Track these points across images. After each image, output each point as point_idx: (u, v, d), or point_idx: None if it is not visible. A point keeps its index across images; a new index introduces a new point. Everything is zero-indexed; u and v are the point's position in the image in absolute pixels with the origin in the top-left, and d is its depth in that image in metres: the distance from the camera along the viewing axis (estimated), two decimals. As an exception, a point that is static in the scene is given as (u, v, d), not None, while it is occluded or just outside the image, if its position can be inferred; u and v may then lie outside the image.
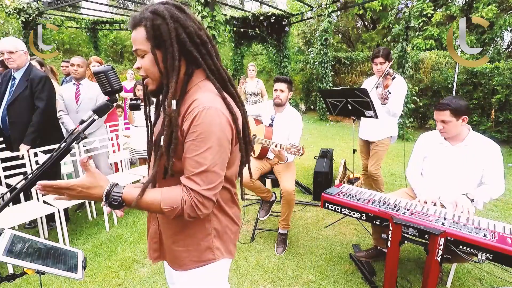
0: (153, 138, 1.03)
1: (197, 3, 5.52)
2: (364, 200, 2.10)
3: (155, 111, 1.14)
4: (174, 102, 0.96)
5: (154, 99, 1.13)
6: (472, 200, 1.99)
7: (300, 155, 2.34)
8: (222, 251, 1.10)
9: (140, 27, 0.95)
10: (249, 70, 4.99)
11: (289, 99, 2.91)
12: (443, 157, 2.19)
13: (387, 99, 2.94)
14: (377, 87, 2.97)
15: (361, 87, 3.33)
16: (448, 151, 2.17)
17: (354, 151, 3.80)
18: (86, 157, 0.92)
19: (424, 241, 1.75)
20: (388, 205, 2.03)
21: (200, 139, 0.91)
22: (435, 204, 2.05)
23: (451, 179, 2.15)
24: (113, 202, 0.93)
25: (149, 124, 1.15)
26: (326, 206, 2.20)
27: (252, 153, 1.15)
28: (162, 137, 0.96)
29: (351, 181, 3.95)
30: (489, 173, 2.05)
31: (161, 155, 0.97)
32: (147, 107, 1.14)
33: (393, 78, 3.00)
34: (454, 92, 5.40)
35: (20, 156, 2.77)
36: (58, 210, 2.62)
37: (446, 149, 2.19)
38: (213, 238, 1.08)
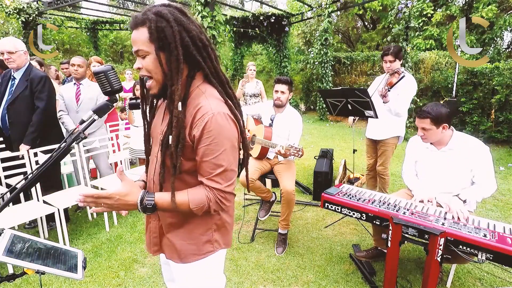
0: (161, 138, 1.05)
1: (197, 3, 5.52)
2: (364, 200, 2.10)
3: (149, 110, 1.17)
4: (180, 104, 0.99)
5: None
6: (464, 201, 1.99)
7: (299, 157, 2.34)
8: (220, 243, 1.16)
9: (143, 28, 0.96)
10: (249, 70, 4.66)
11: (289, 99, 2.91)
12: (431, 162, 2.21)
13: (386, 97, 2.93)
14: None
15: (372, 84, 3.33)
16: (435, 156, 2.19)
17: (354, 151, 3.81)
18: (122, 167, 1.01)
19: (424, 241, 1.75)
20: (388, 205, 2.04)
21: (215, 144, 0.98)
22: (432, 203, 2.06)
23: (442, 183, 2.16)
24: (147, 206, 1.00)
25: (146, 123, 1.17)
26: (326, 206, 2.20)
27: (251, 153, 1.20)
28: (171, 137, 1.00)
29: (351, 181, 3.95)
30: (479, 173, 2.05)
31: (170, 154, 1.01)
32: (145, 107, 1.15)
33: (402, 77, 2.94)
34: (454, 92, 5.40)
35: (20, 156, 2.77)
36: (58, 210, 2.62)
37: (432, 154, 2.20)
38: (213, 232, 1.14)
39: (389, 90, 2.94)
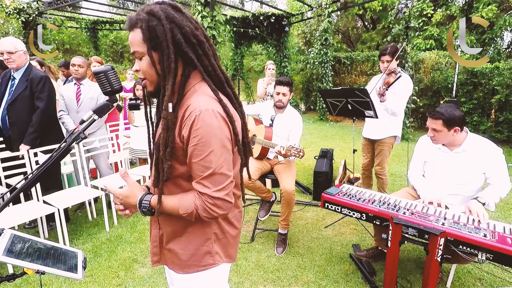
0: (154, 142, 1.04)
1: (197, 3, 5.52)
2: (364, 200, 2.10)
3: (156, 112, 1.14)
4: (170, 105, 0.95)
5: (155, 100, 1.13)
6: (483, 204, 1.95)
7: (300, 157, 2.34)
8: (221, 256, 1.10)
9: (137, 28, 0.94)
10: (269, 69, 4.25)
11: (289, 100, 2.91)
12: (442, 163, 2.18)
13: (383, 96, 2.93)
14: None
15: (369, 83, 3.34)
16: (447, 157, 2.15)
17: (354, 151, 3.80)
18: (125, 169, 1.03)
19: (424, 241, 1.75)
20: (388, 205, 2.03)
21: (202, 143, 0.92)
22: (440, 205, 2.04)
23: (452, 184, 2.14)
24: (143, 209, 1.02)
25: (150, 124, 1.14)
26: (326, 206, 2.20)
27: (252, 153, 1.15)
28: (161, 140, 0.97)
29: (351, 181, 3.95)
30: (493, 175, 2.02)
31: (161, 158, 0.98)
32: (147, 108, 1.13)
33: (399, 77, 2.96)
34: (454, 92, 5.40)
35: (20, 156, 2.77)
36: (58, 210, 2.62)
37: (445, 155, 2.16)
38: (213, 243, 1.08)
39: (386, 90, 2.95)
